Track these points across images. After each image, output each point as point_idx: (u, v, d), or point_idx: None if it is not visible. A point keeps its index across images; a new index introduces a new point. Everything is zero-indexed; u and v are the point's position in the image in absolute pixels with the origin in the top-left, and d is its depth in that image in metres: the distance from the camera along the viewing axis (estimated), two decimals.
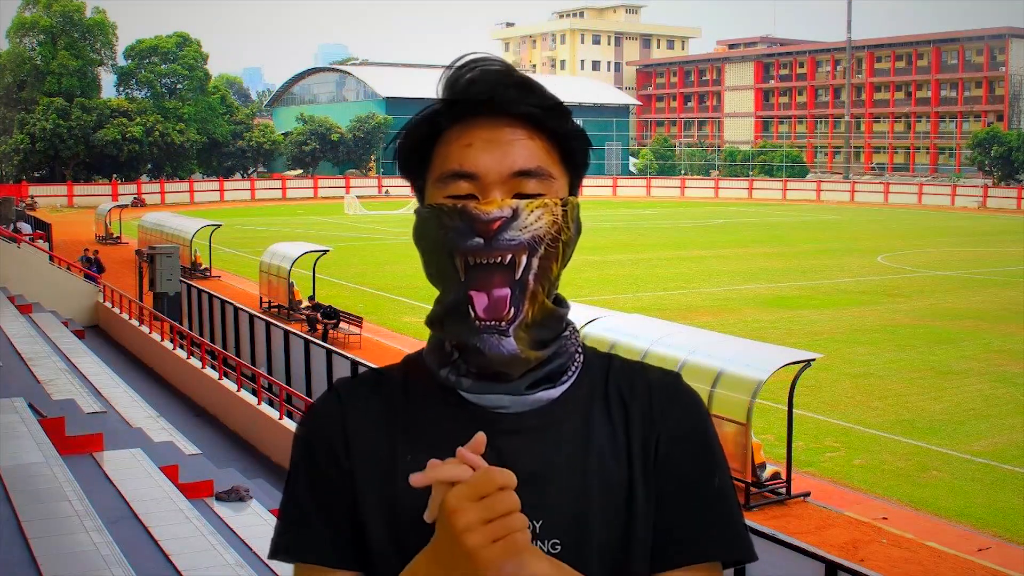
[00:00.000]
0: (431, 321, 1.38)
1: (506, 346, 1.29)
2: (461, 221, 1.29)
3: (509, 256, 1.29)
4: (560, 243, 1.31)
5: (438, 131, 1.35)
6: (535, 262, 1.30)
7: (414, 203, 1.41)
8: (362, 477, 1.35)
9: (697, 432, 1.39)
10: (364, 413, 1.38)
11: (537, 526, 1.28)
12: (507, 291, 1.30)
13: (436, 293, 1.38)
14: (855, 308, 24.70)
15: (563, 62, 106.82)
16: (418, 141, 1.36)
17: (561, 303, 1.39)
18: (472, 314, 1.30)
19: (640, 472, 1.35)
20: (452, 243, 1.29)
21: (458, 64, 1.35)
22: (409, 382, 1.40)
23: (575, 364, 1.39)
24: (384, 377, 1.43)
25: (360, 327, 20.77)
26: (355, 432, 1.37)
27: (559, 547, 1.29)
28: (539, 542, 1.28)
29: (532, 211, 1.29)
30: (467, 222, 1.28)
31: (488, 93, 1.31)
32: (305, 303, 23.28)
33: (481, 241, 1.28)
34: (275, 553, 1.39)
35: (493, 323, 1.30)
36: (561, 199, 1.32)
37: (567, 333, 1.38)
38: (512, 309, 1.30)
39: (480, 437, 1.17)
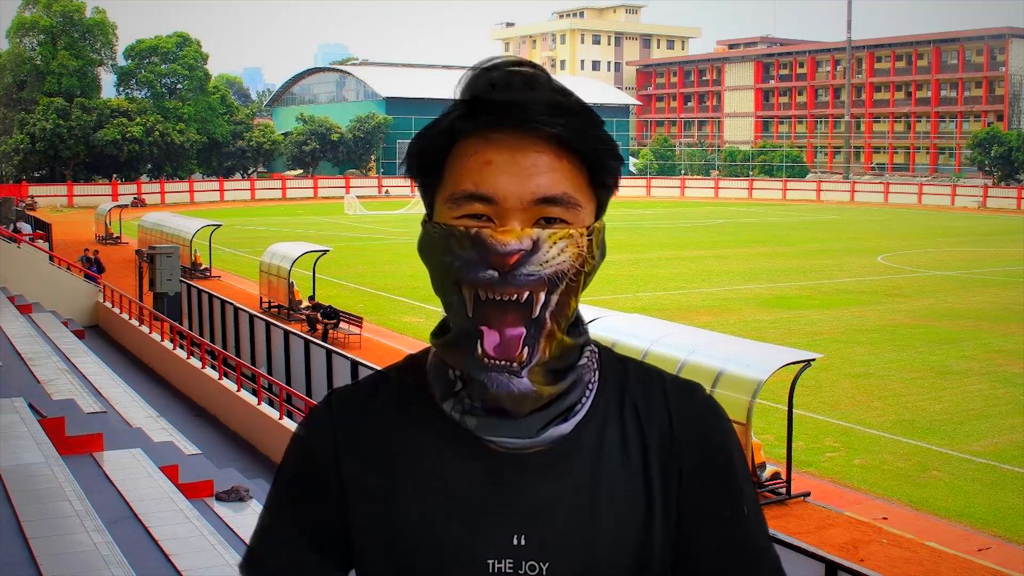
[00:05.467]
0: (438, 345, 1.24)
1: (517, 385, 1.16)
2: (474, 250, 1.14)
3: (526, 293, 1.14)
4: (583, 275, 1.18)
5: (454, 139, 1.19)
6: (554, 298, 1.16)
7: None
8: (356, 501, 1.26)
9: (722, 455, 1.29)
10: (359, 432, 1.27)
11: (544, 568, 1.19)
12: (522, 330, 1.15)
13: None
14: (855, 308, 24.69)
15: (563, 62, 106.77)
16: (433, 150, 1.20)
17: (579, 330, 1.24)
18: (480, 350, 1.16)
19: (660, 506, 1.24)
20: (461, 273, 1.15)
21: (482, 67, 1.19)
22: (410, 397, 1.27)
23: (591, 387, 1.25)
24: (384, 387, 1.30)
25: (360, 327, 20.78)
26: (348, 452, 1.27)
27: None
28: None
29: (555, 243, 1.14)
30: (480, 252, 1.13)
31: (515, 113, 1.15)
32: (305, 303, 23.27)
33: (495, 274, 1.13)
34: (249, 568, 1.31)
35: (503, 363, 1.16)
36: (587, 227, 1.17)
37: (583, 360, 1.24)
38: (526, 349, 1.16)
39: None
